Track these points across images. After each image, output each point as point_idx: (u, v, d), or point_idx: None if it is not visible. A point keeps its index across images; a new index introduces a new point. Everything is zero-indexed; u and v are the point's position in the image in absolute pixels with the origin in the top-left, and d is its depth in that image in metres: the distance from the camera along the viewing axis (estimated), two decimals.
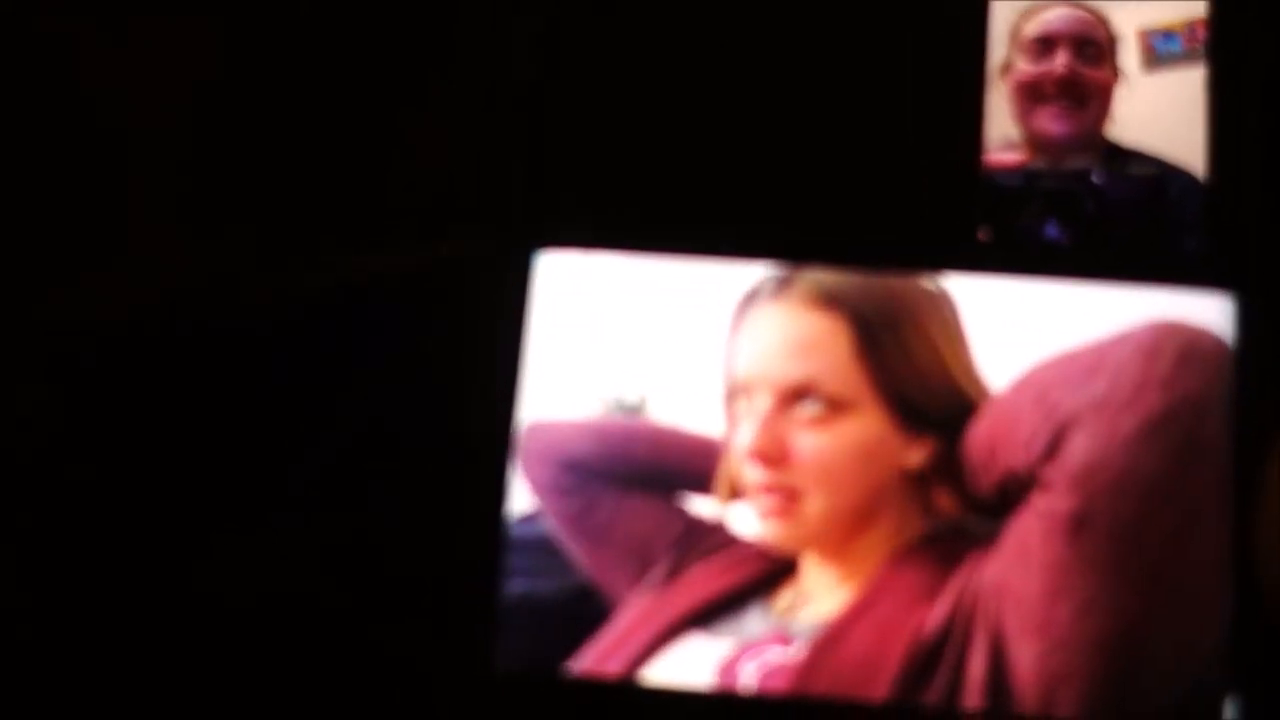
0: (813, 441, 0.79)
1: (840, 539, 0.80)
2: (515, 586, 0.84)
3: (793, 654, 0.79)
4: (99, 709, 0.89)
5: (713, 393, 0.83)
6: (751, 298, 0.83)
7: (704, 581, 0.82)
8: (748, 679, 0.80)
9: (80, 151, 0.98)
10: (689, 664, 0.81)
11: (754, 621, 0.81)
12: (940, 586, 0.78)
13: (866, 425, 0.79)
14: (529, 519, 0.85)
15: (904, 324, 0.80)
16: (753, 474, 0.81)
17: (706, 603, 0.82)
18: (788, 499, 0.80)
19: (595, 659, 0.82)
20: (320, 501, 0.92)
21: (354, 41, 0.99)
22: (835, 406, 0.79)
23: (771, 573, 0.82)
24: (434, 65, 0.99)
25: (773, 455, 0.80)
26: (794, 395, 0.80)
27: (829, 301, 0.81)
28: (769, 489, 0.80)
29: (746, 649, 0.80)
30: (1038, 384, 0.78)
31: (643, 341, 0.85)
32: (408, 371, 0.93)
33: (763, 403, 0.80)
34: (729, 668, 0.80)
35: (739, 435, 0.82)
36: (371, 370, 0.94)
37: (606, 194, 0.93)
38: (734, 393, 0.82)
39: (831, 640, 0.79)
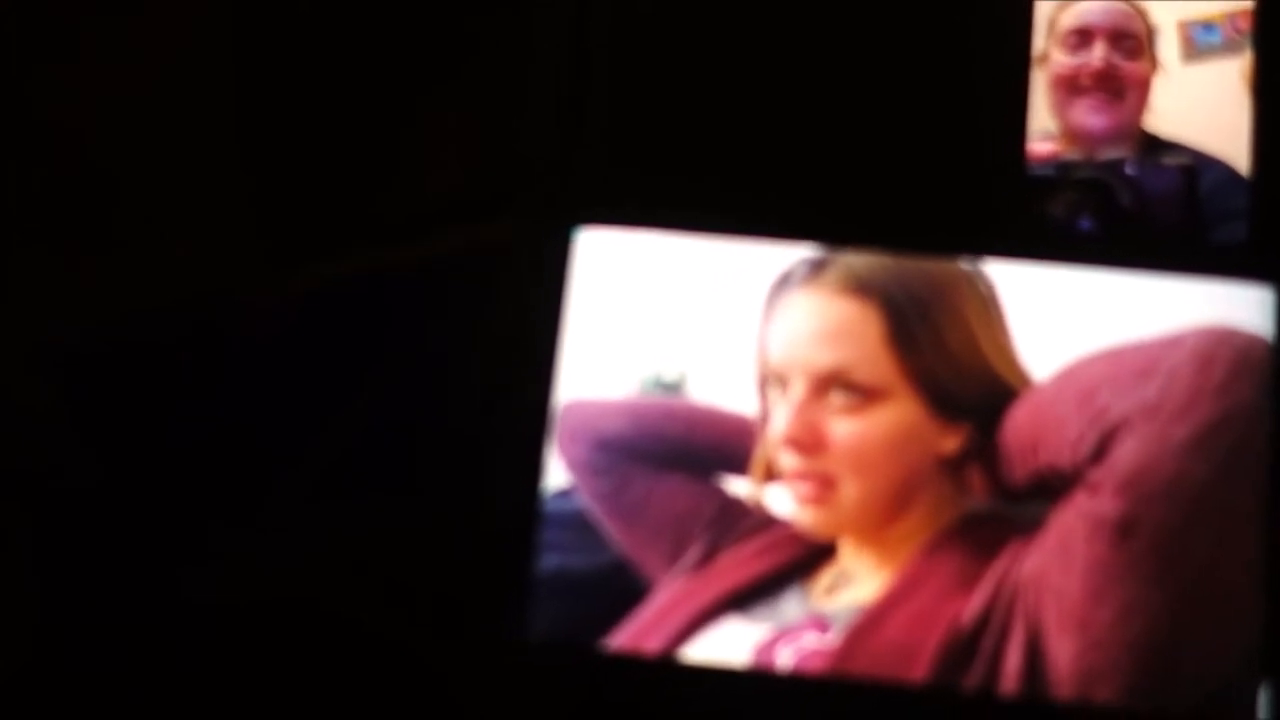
0: (847, 428, 0.78)
1: (876, 525, 0.79)
2: (549, 562, 0.82)
3: (829, 640, 0.78)
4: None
5: (751, 372, 0.83)
6: (783, 283, 0.82)
7: (740, 565, 0.81)
8: (783, 663, 0.79)
9: (118, 137, 0.98)
10: (724, 647, 0.80)
11: (791, 606, 0.80)
12: (978, 574, 0.77)
13: (900, 413, 0.78)
14: (564, 494, 0.84)
15: (938, 310, 0.80)
16: (788, 460, 0.80)
17: (743, 586, 0.81)
18: (823, 486, 0.79)
19: (630, 638, 0.81)
20: (358, 478, 0.91)
21: (387, 21, 1.00)
22: (868, 394, 0.78)
23: (809, 556, 0.81)
24: (469, 45, 0.99)
25: (807, 442, 0.79)
26: (827, 383, 0.79)
27: (860, 288, 0.80)
28: (804, 476, 0.79)
29: (783, 634, 0.79)
30: (1085, 381, 0.77)
31: (682, 319, 0.85)
32: (447, 349, 0.93)
33: (797, 390, 0.79)
34: (764, 652, 0.79)
35: (774, 421, 0.81)
36: (411, 347, 0.94)
37: (646, 173, 0.93)
38: (767, 379, 0.81)
39: (868, 626, 0.78)
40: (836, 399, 0.79)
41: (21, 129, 0.97)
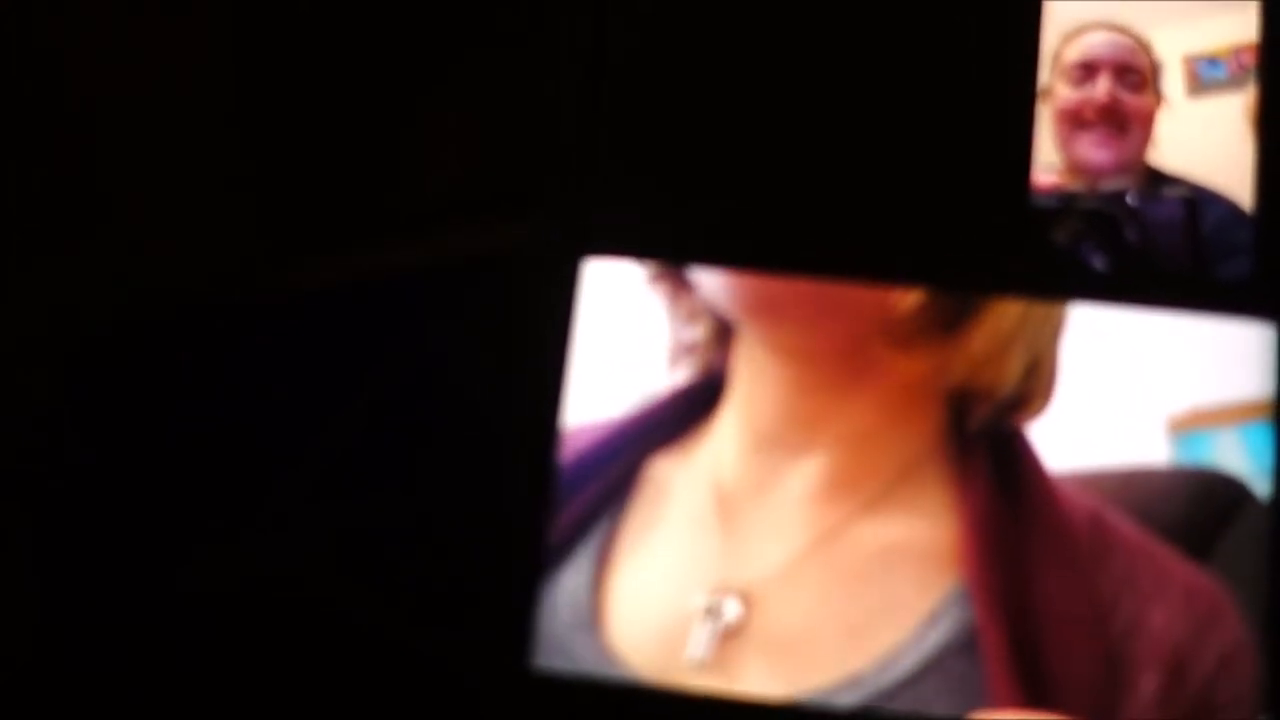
0: None
1: None
2: None
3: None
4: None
5: None
6: None
7: None
8: None
9: (119, 137, 0.98)
10: None
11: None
12: None
13: None
14: None
15: None
16: None
17: None
18: None
19: None
20: (358, 478, 0.92)
21: (388, 18, 0.99)
22: None
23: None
24: (475, 42, 0.99)
25: None
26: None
27: None
28: None
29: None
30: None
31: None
32: (454, 349, 0.93)
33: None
34: None
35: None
36: (414, 347, 0.94)
37: (656, 202, 0.92)
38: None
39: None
40: None
41: (22, 128, 0.96)
